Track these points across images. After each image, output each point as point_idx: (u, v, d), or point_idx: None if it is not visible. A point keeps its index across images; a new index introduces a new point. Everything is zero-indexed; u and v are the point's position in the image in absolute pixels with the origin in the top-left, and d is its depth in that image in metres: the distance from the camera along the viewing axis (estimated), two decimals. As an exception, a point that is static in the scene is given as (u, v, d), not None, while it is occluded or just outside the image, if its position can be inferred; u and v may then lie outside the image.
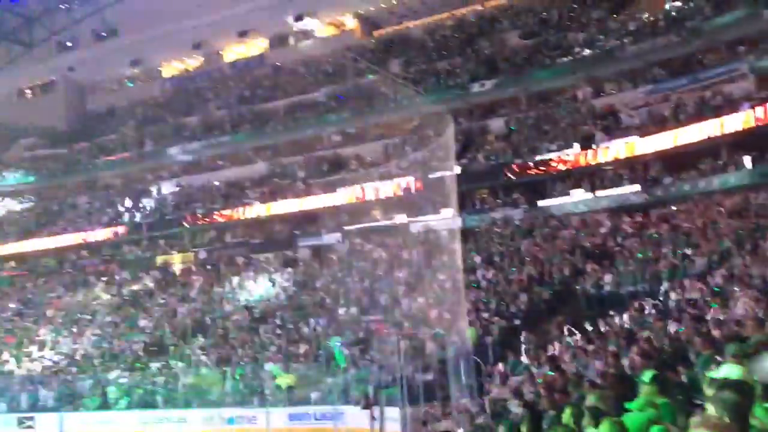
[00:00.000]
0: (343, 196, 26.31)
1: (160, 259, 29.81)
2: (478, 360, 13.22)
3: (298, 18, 33.75)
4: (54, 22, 35.37)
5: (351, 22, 34.36)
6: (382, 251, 22.88)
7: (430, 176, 21.36)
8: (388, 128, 28.43)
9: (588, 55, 25.15)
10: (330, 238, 26.15)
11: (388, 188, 25.29)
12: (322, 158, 29.48)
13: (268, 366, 18.61)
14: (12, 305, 29.36)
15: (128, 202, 32.34)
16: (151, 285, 28.17)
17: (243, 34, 35.69)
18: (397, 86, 28.17)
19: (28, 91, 39.26)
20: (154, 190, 32.85)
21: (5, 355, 24.51)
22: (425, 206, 21.82)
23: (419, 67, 29.69)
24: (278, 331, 20.80)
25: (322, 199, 26.92)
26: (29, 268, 32.29)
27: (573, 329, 12.70)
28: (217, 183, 31.32)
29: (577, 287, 16.42)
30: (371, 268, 22.22)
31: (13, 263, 33.01)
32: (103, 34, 36.21)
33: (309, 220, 27.29)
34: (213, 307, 24.49)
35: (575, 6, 28.70)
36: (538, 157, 22.95)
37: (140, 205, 32.03)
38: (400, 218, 24.01)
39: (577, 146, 22.27)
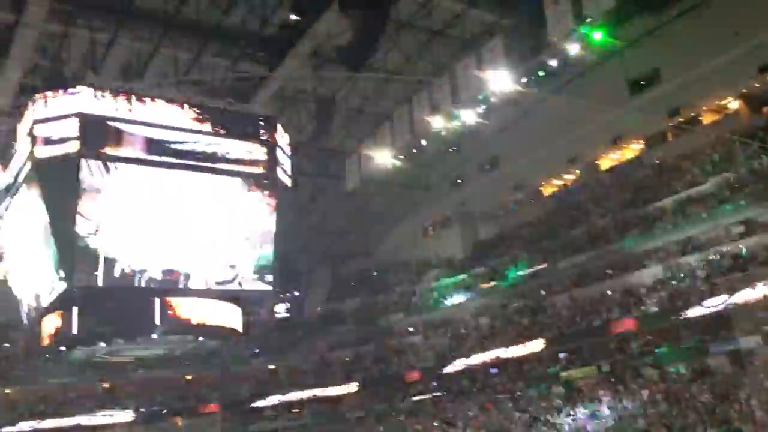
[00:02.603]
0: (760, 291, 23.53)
1: (563, 375, 29.92)
2: None
3: (673, 113, 32.57)
4: (445, 164, 40.11)
5: (734, 104, 31.90)
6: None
7: None
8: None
9: None
10: (748, 341, 23.43)
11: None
12: (723, 253, 27.08)
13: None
14: (435, 424, 32.17)
15: (524, 320, 33.55)
16: (558, 401, 28.31)
17: (617, 140, 35.62)
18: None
19: (430, 229, 44.39)
20: (548, 305, 33.65)
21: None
22: None
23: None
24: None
25: (734, 298, 24.43)
26: (447, 388, 35.19)
27: None
28: (610, 292, 30.83)
29: None
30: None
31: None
32: (487, 166, 39.60)
33: (721, 324, 24.89)
34: (623, 424, 23.50)
35: None
36: None
37: (537, 321, 32.94)
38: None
39: None
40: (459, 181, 42.16)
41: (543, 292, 34.61)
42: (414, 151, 30.50)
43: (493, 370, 33.64)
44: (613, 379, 27.64)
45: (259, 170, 20.46)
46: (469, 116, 27.33)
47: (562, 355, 31.07)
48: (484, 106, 27.05)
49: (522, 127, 36.07)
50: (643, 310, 28.09)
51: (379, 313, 42.77)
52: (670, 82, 31.62)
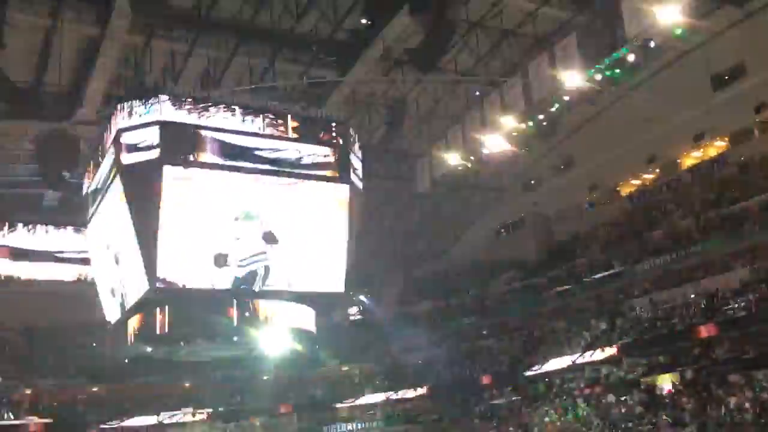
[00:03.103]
0: None
1: (644, 381, 28.98)
2: None
3: (759, 108, 31.16)
4: (516, 166, 39.65)
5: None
6: None
7: None
8: None
9: None
10: None
11: None
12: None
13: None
14: (511, 428, 31.78)
15: (602, 324, 32.72)
16: (638, 408, 27.45)
17: (699, 138, 34.33)
18: None
19: (502, 231, 43.85)
20: (626, 309, 32.70)
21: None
22: None
23: None
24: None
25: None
26: (523, 393, 34.67)
27: None
28: (693, 295, 29.68)
29: None
30: None
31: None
32: (562, 166, 38.90)
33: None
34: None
35: None
36: None
37: (615, 325, 32.07)
38: None
39: None
40: (532, 182, 41.54)
41: (621, 296, 33.65)
42: (485, 152, 30.21)
43: (570, 375, 32.89)
44: (696, 386, 26.57)
45: (331, 173, 20.73)
46: (542, 116, 26.91)
47: (642, 361, 30.09)
48: (557, 106, 26.58)
49: (598, 126, 35.27)
50: (728, 314, 26.91)
51: (451, 315, 42.55)
52: (756, 76, 30.23)
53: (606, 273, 34.17)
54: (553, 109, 26.75)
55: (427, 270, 47.14)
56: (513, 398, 35.42)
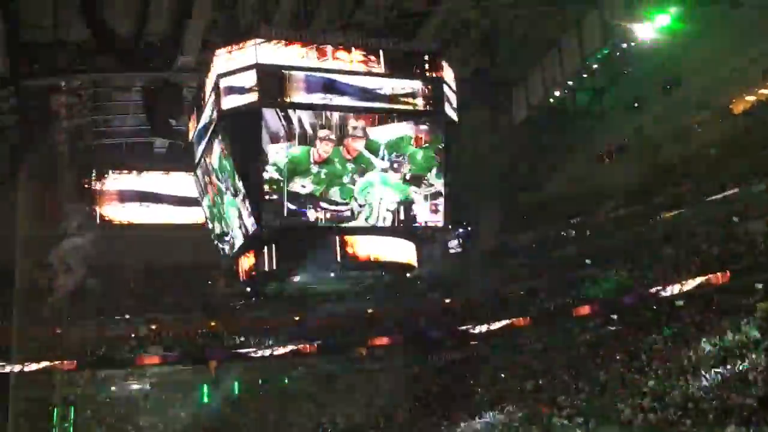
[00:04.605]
0: None
1: (761, 306, 27.79)
2: None
3: None
4: (618, 88, 37.86)
5: None
6: None
7: None
8: None
9: None
10: None
11: None
12: None
13: None
14: (618, 357, 31.46)
15: (714, 249, 31.40)
16: (755, 334, 26.45)
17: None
18: None
19: (605, 157, 42.28)
20: (740, 232, 31.17)
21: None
22: None
23: None
24: None
25: None
26: (629, 321, 34.11)
27: None
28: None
29: None
30: None
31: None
32: (668, 86, 36.79)
33: None
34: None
35: None
36: None
37: (729, 249, 30.72)
38: None
39: None
40: (636, 105, 39.56)
41: (735, 219, 32.02)
42: (585, 76, 29.03)
43: (680, 302, 31.95)
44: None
45: (426, 107, 20.58)
46: (645, 33, 25.41)
47: (758, 286, 28.78)
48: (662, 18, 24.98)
49: (707, 40, 32.92)
50: None
51: (553, 245, 41.98)
52: None
53: (718, 196, 32.57)
54: (656, 25, 25.15)
55: (527, 200, 46.38)
56: (619, 327, 34.92)
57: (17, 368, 33.40)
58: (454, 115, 21.71)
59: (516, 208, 46.60)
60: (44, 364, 35.10)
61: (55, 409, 34.12)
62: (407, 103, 20.39)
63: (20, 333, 32.02)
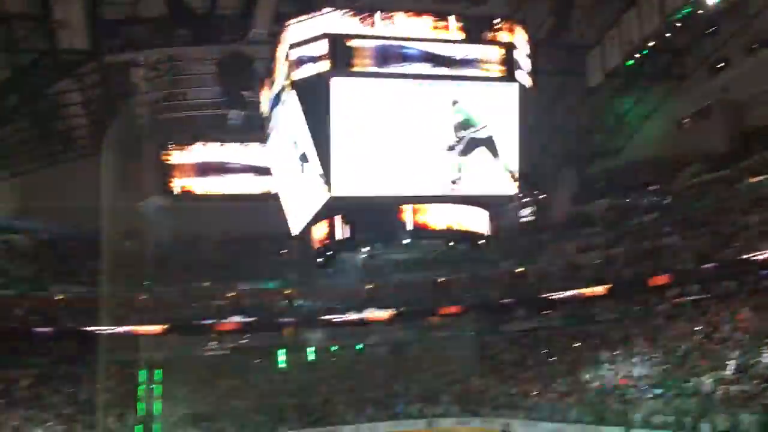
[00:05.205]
0: None
1: None
2: None
3: None
4: (701, 49, 36.21)
5: None
6: None
7: None
8: None
9: None
10: None
11: None
12: None
13: None
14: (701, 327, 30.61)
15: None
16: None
17: None
18: None
19: (685, 121, 40.60)
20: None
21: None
22: None
23: None
24: None
25: None
26: (710, 290, 33.04)
27: None
28: None
29: None
30: None
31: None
32: (754, 46, 34.86)
33: None
34: None
35: None
36: None
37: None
38: None
39: None
40: (720, 65, 37.71)
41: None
42: (667, 36, 27.80)
43: (765, 271, 30.64)
44: None
45: (499, 72, 20.19)
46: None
47: None
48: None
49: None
50: None
51: (630, 213, 40.84)
52: None
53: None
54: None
55: (602, 167, 45.14)
56: (701, 296, 33.84)
57: (106, 331, 35.06)
58: (528, 81, 21.23)
59: (591, 176, 45.50)
60: (129, 327, 36.75)
61: (141, 371, 35.72)
62: (480, 69, 20.05)
63: (107, 299, 33.54)
